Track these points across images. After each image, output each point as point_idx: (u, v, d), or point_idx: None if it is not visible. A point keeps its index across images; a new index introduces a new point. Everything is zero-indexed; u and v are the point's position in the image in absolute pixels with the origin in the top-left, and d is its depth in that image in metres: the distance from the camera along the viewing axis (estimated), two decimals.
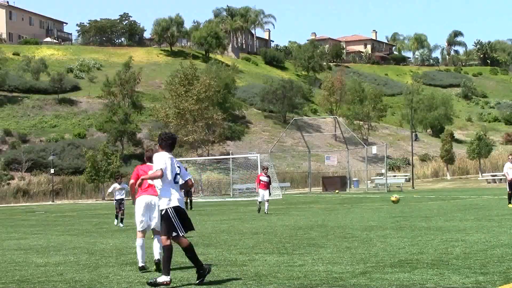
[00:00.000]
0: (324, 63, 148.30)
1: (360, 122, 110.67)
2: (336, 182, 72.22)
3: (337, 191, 67.20)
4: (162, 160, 11.41)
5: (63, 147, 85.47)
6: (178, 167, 11.68)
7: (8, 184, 77.78)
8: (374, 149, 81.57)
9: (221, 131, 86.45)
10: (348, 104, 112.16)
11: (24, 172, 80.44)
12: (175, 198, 11.33)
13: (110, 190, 29.81)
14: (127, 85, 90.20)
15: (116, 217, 29.04)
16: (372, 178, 79.64)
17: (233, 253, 15.96)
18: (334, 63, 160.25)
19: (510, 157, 32.47)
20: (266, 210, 33.34)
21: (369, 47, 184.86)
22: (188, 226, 11.45)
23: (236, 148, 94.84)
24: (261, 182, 33.98)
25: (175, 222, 11.23)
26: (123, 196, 28.93)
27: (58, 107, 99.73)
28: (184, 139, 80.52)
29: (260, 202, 33.94)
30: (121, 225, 28.07)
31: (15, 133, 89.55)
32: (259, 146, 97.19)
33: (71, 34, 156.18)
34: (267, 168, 35.63)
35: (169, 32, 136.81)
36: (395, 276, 11.60)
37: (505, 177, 33.08)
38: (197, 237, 21.08)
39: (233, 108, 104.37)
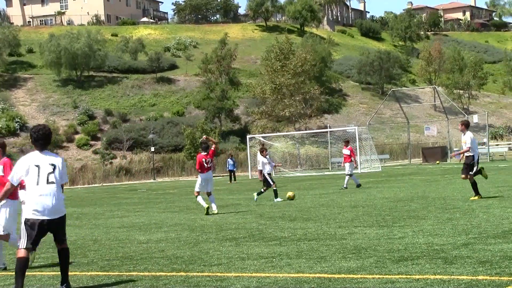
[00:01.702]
0: (422, 33, 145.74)
1: (460, 91, 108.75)
2: (437, 152, 70.88)
3: (438, 162, 66.11)
4: (19, 167, 10.17)
5: (162, 125, 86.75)
6: (52, 164, 10.20)
7: (111, 163, 79.54)
8: (475, 118, 79.85)
9: (318, 104, 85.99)
10: (447, 73, 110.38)
11: (126, 151, 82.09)
12: (29, 209, 9.98)
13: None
14: (224, 62, 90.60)
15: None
16: None
17: (332, 227, 15.91)
18: (432, 32, 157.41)
19: None
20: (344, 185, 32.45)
21: (468, 14, 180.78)
22: (35, 242, 10.07)
23: (334, 121, 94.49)
24: (344, 155, 33.47)
25: (23, 233, 9.95)
26: (270, 171, 27.65)
27: (157, 86, 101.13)
28: (281, 113, 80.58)
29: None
30: (279, 199, 26.47)
31: (116, 113, 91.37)
32: (357, 119, 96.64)
33: (166, 13, 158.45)
34: (348, 141, 34.25)
35: (263, 8, 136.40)
36: (498, 247, 11.34)
37: None
38: (297, 211, 21.13)
39: (329, 81, 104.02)
